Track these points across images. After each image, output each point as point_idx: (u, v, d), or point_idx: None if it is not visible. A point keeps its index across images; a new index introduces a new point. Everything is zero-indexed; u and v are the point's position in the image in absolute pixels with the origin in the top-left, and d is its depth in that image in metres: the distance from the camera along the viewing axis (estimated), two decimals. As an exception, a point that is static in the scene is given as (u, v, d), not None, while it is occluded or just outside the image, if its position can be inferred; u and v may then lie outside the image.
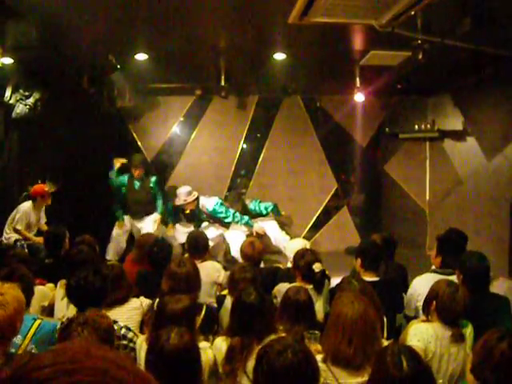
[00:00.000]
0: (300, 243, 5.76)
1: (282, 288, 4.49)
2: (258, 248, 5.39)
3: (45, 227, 7.46)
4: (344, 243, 9.64)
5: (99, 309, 3.42)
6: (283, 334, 3.32)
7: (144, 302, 4.18)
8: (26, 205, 7.29)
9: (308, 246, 5.80)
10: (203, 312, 4.02)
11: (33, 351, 3.18)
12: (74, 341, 2.17)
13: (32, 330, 3.28)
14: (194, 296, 3.92)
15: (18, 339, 3.19)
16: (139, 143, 9.94)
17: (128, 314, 4.03)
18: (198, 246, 5.53)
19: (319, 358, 2.89)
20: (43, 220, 7.63)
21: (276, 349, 2.37)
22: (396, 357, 2.34)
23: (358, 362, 2.85)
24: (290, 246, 5.97)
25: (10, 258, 4.77)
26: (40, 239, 7.09)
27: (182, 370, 2.62)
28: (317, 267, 4.50)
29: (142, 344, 3.28)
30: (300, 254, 4.68)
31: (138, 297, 4.24)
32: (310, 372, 2.38)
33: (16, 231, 7.18)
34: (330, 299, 4.44)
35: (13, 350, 3.13)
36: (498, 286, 4.39)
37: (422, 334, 3.33)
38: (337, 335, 2.92)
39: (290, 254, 5.38)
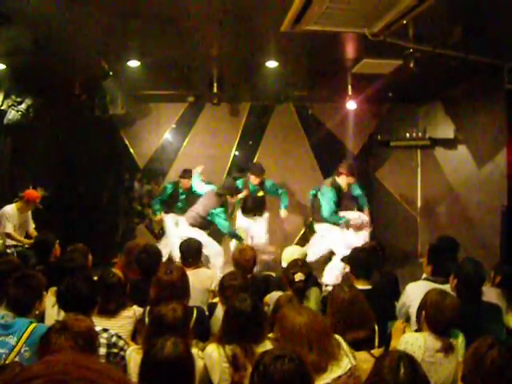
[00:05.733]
0: (295, 252, 5.74)
1: (274, 296, 4.49)
2: (246, 255, 5.37)
3: (34, 233, 7.43)
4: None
5: (87, 315, 3.42)
6: (269, 342, 3.34)
7: (137, 311, 4.17)
8: (9, 207, 7.25)
9: (303, 254, 5.80)
10: (194, 315, 4.01)
11: (27, 353, 3.18)
12: (64, 352, 2.15)
13: (27, 333, 3.28)
14: (184, 303, 3.91)
15: (12, 341, 3.21)
16: (131, 150, 9.93)
17: (120, 323, 4.02)
18: (189, 254, 5.50)
19: None
20: (31, 225, 7.58)
21: (273, 355, 2.38)
22: (394, 363, 2.34)
23: (324, 363, 2.88)
24: (284, 254, 5.95)
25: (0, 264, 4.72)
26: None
27: (176, 379, 2.61)
28: (298, 276, 4.51)
29: (131, 354, 3.27)
30: (290, 264, 4.72)
31: (131, 305, 4.22)
32: (305, 380, 2.38)
33: (8, 236, 7.13)
34: (323, 307, 4.44)
35: (7, 351, 3.15)
36: (486, 293, 4.40)
37: (411, 344, 3.35)
38: (295, 346, 2.94)
39: (284, 263, 5.38)
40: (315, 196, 8.09)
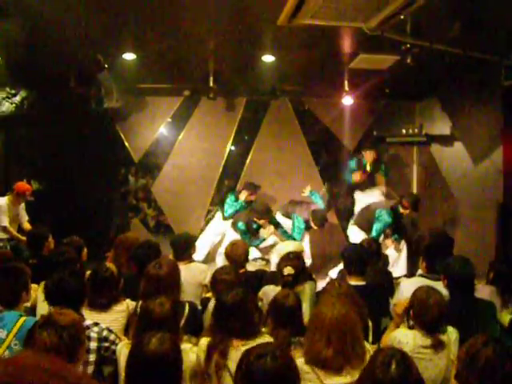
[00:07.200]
0: (289, 246, 5.72)
1: (267, 291, 4.48)
2: (237, 250, 5.35)
3: (28, 226, 7.38)
4: (331, 247, 9.62)
5: (76, 309, 3.39)
6: (267, 337, 3.30)
7: (130, 305, 4.15)
8: (1, 200, 7.20)
9: (298, 248, 5.77)
10: (186, 310, 3.99)
11: (17, 347, 3.17)
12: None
13: (17, 326, 3.27)
14: (173, 298, 3.88)
15: (2, 334, 3.20)
16: (126, 143, 9.87)
17: (113, 317, 4.00)
18: (181, 248, 5.47)
19: (303, 360, 2.88)
20: (24, 218, 7.53)
21: (256, 353, 2.35)
22: (386, 359, 2.32)
23: (338, 363, 2.83)
24: (278, 249, 5.91)
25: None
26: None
27: (161, 375, 2.58)
28: (287, 270, 4.49)
29: (122, 348, 3.24)
30: (282, 258, 4.70)
31: (124, 299, 4.20)
32: (289, 379, 2.35)
33: (4, 229, 7.10)
34: (316, 302, 4.42)
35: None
36: (480, 290, 4.40)
37: (399, 341, 3.34)
38: (315, 335, 2.92)
39: (276, 258, 5.36)
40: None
